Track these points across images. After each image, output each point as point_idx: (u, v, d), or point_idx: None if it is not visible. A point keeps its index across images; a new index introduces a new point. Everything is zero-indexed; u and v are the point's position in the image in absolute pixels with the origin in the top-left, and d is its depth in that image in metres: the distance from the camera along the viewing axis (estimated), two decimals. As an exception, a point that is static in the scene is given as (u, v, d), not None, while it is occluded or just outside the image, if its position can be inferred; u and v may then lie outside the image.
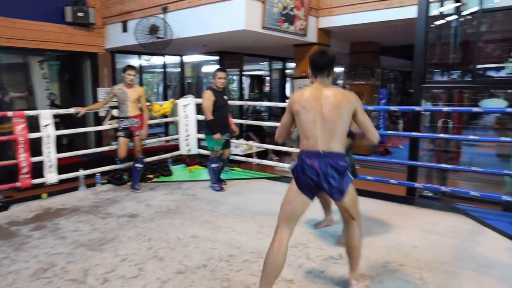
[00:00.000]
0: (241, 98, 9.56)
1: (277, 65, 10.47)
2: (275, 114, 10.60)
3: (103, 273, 2.91)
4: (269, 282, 2.36)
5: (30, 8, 6.44)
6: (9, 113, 4.54)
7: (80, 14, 6.81)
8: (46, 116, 4.77)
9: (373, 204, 4.56)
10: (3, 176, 5.45)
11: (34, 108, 7.18)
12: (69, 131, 5.62)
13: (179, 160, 6.82)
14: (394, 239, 3.49)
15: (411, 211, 4.31)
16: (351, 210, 2.53)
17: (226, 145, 5.17)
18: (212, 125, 4.88)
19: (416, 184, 4.55)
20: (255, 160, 6.49)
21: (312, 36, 6.60)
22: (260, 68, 12.14)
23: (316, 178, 2.35)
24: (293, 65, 8.10)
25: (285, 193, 2.49)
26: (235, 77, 12.37)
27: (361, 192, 4.84)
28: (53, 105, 7.47)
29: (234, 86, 14.18)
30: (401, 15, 5.57)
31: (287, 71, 10.61)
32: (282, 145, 5.75)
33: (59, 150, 5.06)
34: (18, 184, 4.64)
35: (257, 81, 13.45)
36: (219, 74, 4.91)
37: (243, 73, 9.57)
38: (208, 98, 4.80)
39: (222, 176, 5.42)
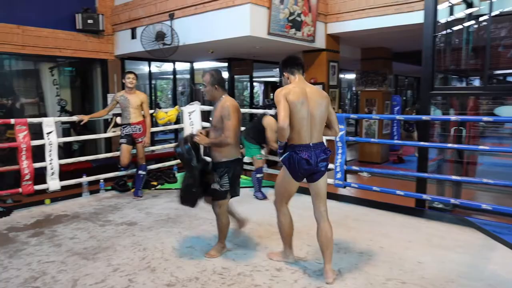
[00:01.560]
0: (251, 105, 9.48)
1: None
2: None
3: (92, 284, 2.83)
4: (289, 241, 3.11)
5: (42, 15, 6.53)
6: (12, 121, 4.56)
7: (90, 21, 6.87)
8: (48, 123, 4.78)
9: (379, 215, 4.39)
10: (13, 181, 5.51)
11: (45, 115, 7.26)
12: (72, 138, 5.66)
13: (185, 167, 6.75)
14: (398, 254, 3.32)
15: (419, 224, 4.12)
16: (324, 193, 2.94)
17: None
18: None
19: (425, 196, 4.36)
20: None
21: (320, 42, 6.49)
22: (272, 75, 12.06)
23: (309, 167, 2.79)
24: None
25: (278, 178, 3.03)
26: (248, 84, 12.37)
27: (366, 203, 4.73)
28: (63, 111, 7.54)
29: (246, 93, 14.19)
30: (410, 20, 5.41)
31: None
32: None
33: (70, 156, 5.07)
34: (20, 190, 4.64)
35: (271, 87, 13.40)
36: None
37: (254, 79, 9.49)
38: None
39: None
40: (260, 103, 14.69)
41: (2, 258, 3.29)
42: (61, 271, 3.05)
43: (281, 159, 2.91)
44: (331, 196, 5.08)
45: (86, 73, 7.95)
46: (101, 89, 7.78)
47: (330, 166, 4.03)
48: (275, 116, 4.58)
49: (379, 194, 4.76)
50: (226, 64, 8.71)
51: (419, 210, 4.52)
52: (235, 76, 8.90)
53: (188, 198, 3.22)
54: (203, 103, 6.69)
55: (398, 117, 5.05)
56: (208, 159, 3.28)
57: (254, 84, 9.44)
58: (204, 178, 3.19)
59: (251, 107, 9.04)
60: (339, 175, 4.85)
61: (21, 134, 4.53)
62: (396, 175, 6.36)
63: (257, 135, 4.94)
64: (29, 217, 4.43)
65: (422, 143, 4.37)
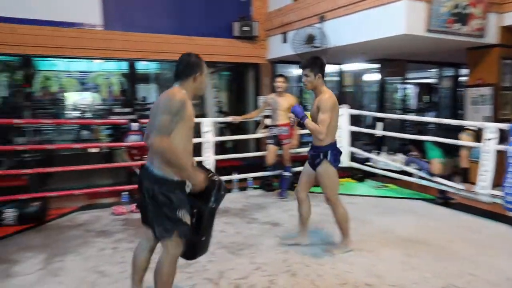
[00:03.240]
0: (404, 109, 8.79)
1: (448, 72, 9.29)
2: (445, 128, 9.42)
3: (236, 279, 2.98)
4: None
5: (205, 26, 7.24)
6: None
7: (245, 28, 7.33)
8: (207, 123, 5.26)
9: None
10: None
11: (204, 115, 8.06)
12: (226, 138, 6.13)
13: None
14: None
15: None
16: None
17: None
18: None
19: None
20: (414, 179, 5.81)
21: (491, 37, 5.58)
22: (428, 76, 11.00)
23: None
24: (467, 71, 7.03)
25: (329, 178, 3.35)
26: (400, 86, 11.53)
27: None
28: (220, 112, 8.26)
29: (399, 96, 13.25)
30: None
31: (460, 79, 9.31)
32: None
33: (225, 153, 5.56)
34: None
35: (426, 89, 12.27)
36: None
37: (407, 81, 8.79)
38: None
39: (376, 192, 5.06)
40: (413, 107, 13.57)
41: (165, 242, 3.73)
42: (210, 261, 3.29)
43: (329, 158, 3.28)
44: (498, 218, 4.32)
45: (240, 77, 8.52)
46: (253, 91, 8.24)
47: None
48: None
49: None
50: (377, 66, 8.28)
51: None
52: (386, 78, 8.38)
53: (200, 250, 2.66)
54: (352, 107, 6.49)
55: None
56: None
57: (404, 85, 8.78)
58: None
59: (404, 112, 8.38)
60: (510, 198, 4.07)
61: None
62: None
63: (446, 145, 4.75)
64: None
65: None
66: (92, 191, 5.11)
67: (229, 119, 5.56)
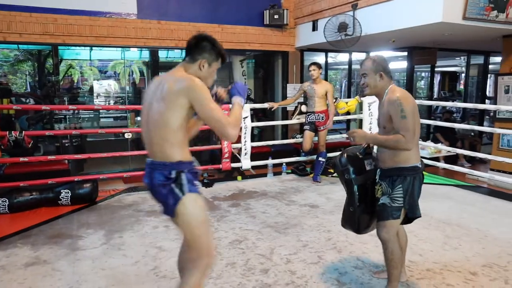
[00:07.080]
0: (430, 97, 8.82)
1: (477, 59, 9.24)
2: (472, 115, 9.48)
3: (287, 254, 3.18)
4: None
5: (237, 15, 7.36)
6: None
7: (276, 16, 7.42)
8: (245, 109, 5.43)
9: None
10: (208, 158, 6.53)
11: (234, 102, 8.23)
12: (262, 124, 6.27)
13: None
14: None
15: None
16: None
17: None
18: None
19: None
20: (442, 165, 5.94)
21: (529, 25, 5.57)
22: (455, 64, 10.94)
23: None
24: (497, 59, 7.01)
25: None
26: (424, 74, 11.55)
27: None
28: (248, 99, 8.42)
29: (422, 84, 13.22)
30: None
31: (490, 67, 9.25)
32: (476, 151, 5.06)
33: (252, 139, 5.74)
34: (220, 166, 5.45)
35: (448, 78, 12.20)
36: None
37: (436, 69, 8.79)
38: None
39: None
40: (435, 95, 13.48)
41: (213, 221, 3.96)
42: (259, 239, 3.50)
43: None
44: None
45: (269, 65, 8.65)
46: (281, 79, 8.36)
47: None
48: None
49: None
50: (405, 54, 8.29)
51: None
52: (415, 66, 8.40)
53: (346, 220, 2.68)
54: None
55: None
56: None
57: (430, 73, 8.81)
58: (371, 192, 2.59)
59: (430, 100, 8.42)
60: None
61: (223, 119, 5.28)
62: None
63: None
64: (226, 190, 5.17)
65: None
66: (135, 174, 5.36)
67: (265, 105, 5.72)
